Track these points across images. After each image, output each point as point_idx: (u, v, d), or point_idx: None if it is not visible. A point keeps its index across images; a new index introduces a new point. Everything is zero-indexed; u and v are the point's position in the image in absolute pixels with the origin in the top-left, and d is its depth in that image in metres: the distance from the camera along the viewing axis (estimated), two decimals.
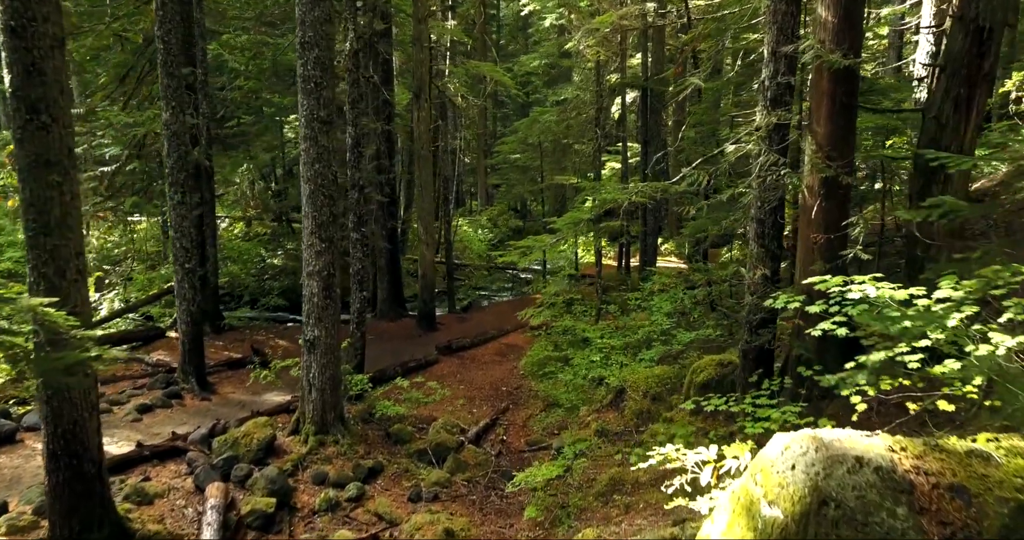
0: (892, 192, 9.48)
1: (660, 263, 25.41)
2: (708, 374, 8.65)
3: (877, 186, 10.28)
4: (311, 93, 8.58)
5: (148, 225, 18.66)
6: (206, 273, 14.42)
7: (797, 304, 5.03)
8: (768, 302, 5.27)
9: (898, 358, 3.78)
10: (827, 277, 4.49)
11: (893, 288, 3.93)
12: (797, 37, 7.26)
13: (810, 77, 7.05)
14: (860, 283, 4.06)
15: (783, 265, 9.11)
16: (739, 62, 16.35)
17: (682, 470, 4.54)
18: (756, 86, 7.38)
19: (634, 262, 25.33)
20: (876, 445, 2.85)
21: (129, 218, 16.06)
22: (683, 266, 25.65)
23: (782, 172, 6.99)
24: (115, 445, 8.88)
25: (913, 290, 3.81)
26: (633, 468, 6.24)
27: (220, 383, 11.89)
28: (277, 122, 24.66)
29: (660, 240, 24.20)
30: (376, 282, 16.84)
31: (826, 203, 6.81)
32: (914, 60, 10.47)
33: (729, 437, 7.78)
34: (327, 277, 9.01)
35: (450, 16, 29.08)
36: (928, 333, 3.61)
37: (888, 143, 9.40)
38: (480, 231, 31.24)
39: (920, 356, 3.70)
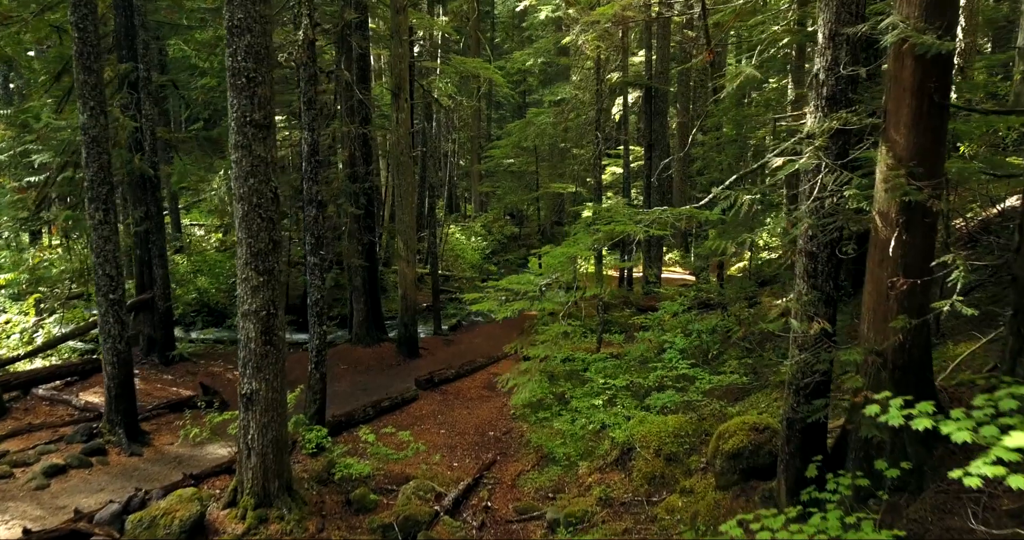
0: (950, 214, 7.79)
1: (664, 274, 23.76)
2: (739, 441, 6.94)
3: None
4: (242, 90, 6.86)
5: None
6: (153, 297, 12.69)
7: (927, 425, 3.30)
8: (878, 413, 3.56)
9: None
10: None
11: None
12: (863, 15, 5.56)
13: (884, 67, 5.33)
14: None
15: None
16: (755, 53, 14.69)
17: None
18: (809, 81, 5.67)
19: (636, 272, 23.68)
20: None
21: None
22: (689, 277, 24.00)
23: (846, 194, 5.28)
24: (3, 526, 7.16)
25: None
26: None
27: (158, 431, 10.17)
28: None
29: (664, 248, 22.53)
30: (352, 303, 15.11)
31: (908, 236, 5.10)
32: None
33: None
34: (267, 318, 7.29)
35: (440, 12, 27.40)
36: None
37: (960, 150, 7.70)
38: (473, 239, 29.53)
39: None
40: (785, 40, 14.30)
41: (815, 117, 5.66)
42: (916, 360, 5.39)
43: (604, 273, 21.73)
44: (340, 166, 14.35)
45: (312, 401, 9.64)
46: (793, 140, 5.75)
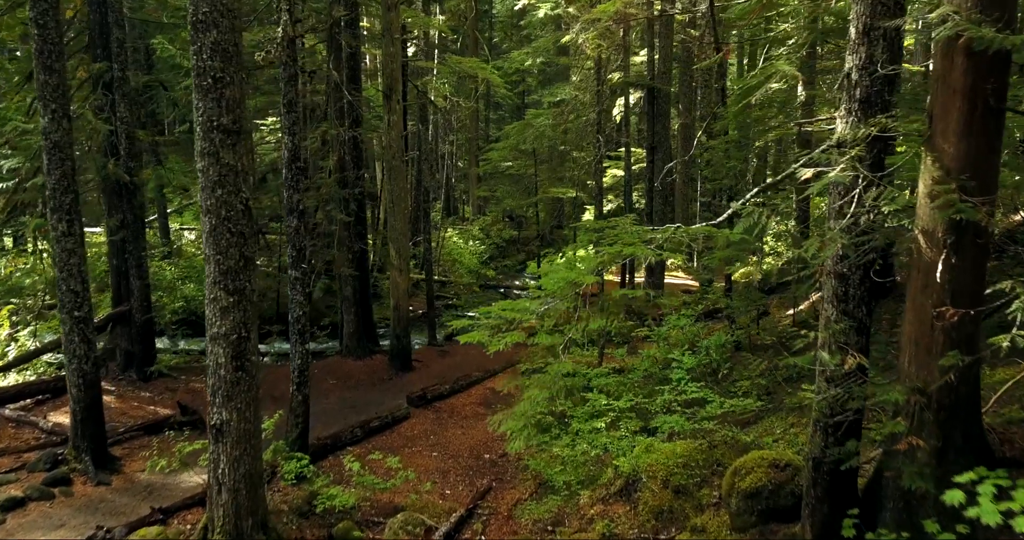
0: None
1: (667, 279, 23.11)
2: (758, 479, 6.29)
3: None
4: (208, 92, 6.22)
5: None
6: (130, 310, 12.03)
7: None
8: (962, 504, 2.91)
9: None
10: None
11: None
12: (902, 7, 4.92)
13: (929, 65, 4.69)
14: None
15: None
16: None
17: None
18: (840, 81, 5.03)
19: (638, 276, 23.04)
20: None
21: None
22: (692, 283, 23.35)
23: (884, 210, 4.64)
24: None
25: None
26: None
27: (130, 456, 9.52)
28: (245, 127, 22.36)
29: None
30: (342, 314, 14.46)
31: (957, 259, 4.46)
32: None
33: None
34: (237, 342, 6.64)
35: (437, 11, 26.77)
36: None
37: None
38: (471, 243, 28.88)
39: None
40: (794, 38, 13.68)
41: (846, 122, 5.03)
42: (964, 399, 4.75)
43: (605, 277, 21.15)
44: (329, 171, 13.69)
45: (294, 425, 8.99)
46: (821, 149, 5.11)
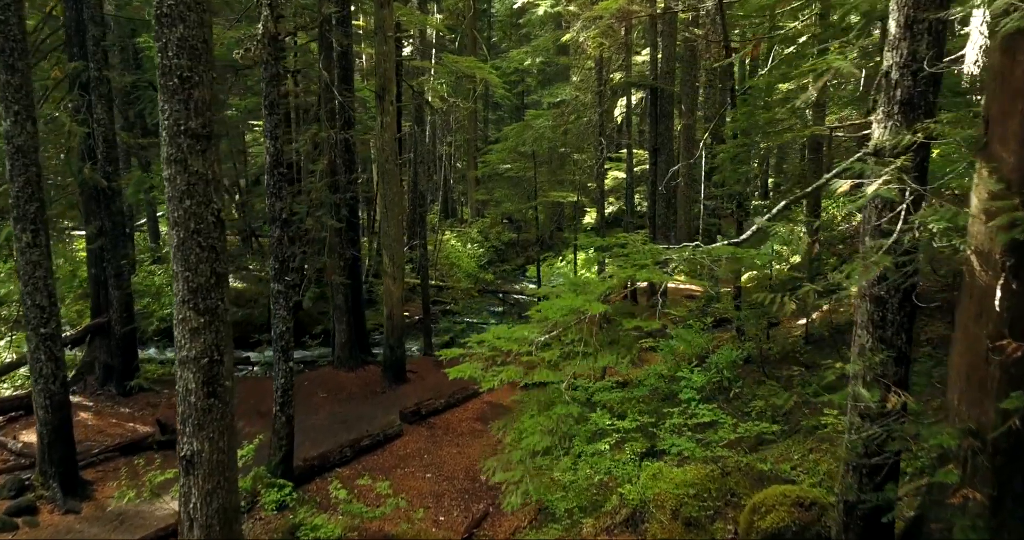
0: None
1: (671, 284, 22.54)
2: (780, 518, 5.73)
3: None
4: (175, 93, 5.65)
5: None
6: (109, 321, 11.45)
7: None
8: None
9: None
10: None
11: None
12: None
13: (982, 61, 4.13)
14: None
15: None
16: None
17: None
18: (877, 81, 4.48)
19: (641, 283, 22.47)
20: None
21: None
22: (696, 289, 22.78)
23: (932, 227, 4.08)
24: None
25: None
26: None
27: (103, 480, 8.95)
28: (237, 128, 21.91)
29: None
30: (334, 323, 13.89)
31: (1018, 285, 3.90)
32: None
33: None
34: (209, 366, 6.07)
35: (435, 10, 26.21)
36: None
37: None
38: (470, 246, 28.29)
39: None
40: (805, 37, 13.12)
41: (885, 127, 4.47)
42: None
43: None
44: (320, 175, 13.12)
45: (278, 448, 8.43)
46: (857, 156, 4.55)
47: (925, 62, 4.20)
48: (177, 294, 6.01)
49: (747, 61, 28.04)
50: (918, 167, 4.35)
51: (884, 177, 3.98)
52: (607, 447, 8.76)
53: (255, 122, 21.83)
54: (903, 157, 3.96)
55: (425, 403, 11.71)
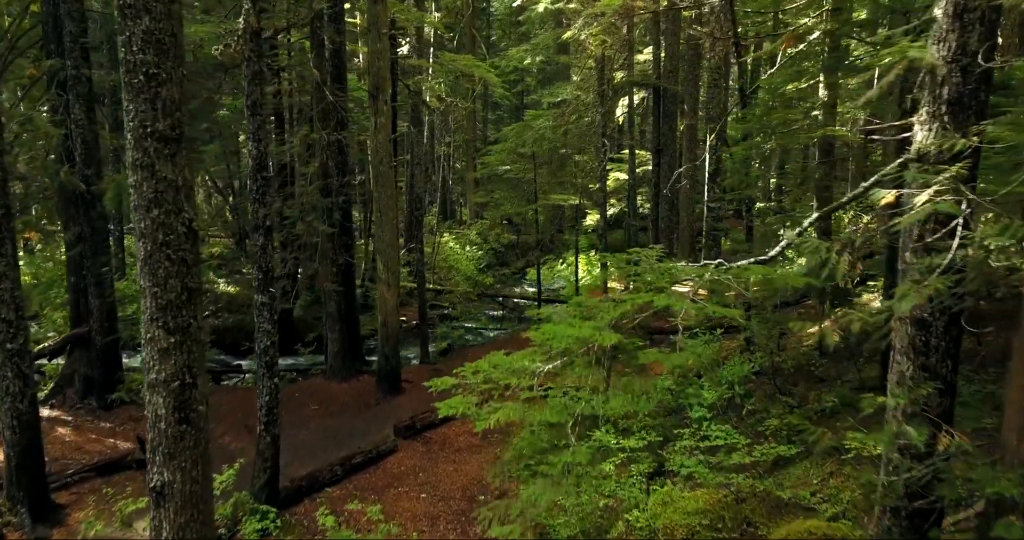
0: None
1: (674, 287, 22.01)
2: None
3: None
4: (140, 91, 5.15)
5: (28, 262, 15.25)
6: (90, 331, 10.94)
7: None
8: None
9: None
10: None
11: None
12: None
13: None
14: None
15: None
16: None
17: None
18: (921, 78, 3.98)
19: None
20: None
21: None
22: (700, 292, 22.26)
23: (990, 244, 3.58)
24: None
25: None
26: None
27: (77, 504, 8.44)
28: (230, 128, 21.39)
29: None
30: (326, 332, 13.39)
31: None
32: None
33: None
34: (180, 390, 5.57)
35: (433, 7, 25.70)
36: None
37: None
38: (469, 248, 27.78)
39: None
40: (816, 33, 12.62)
41: (929, 129, 3.97)
42: None
43: (609, 285, 20.04)
44: (311, 178, 12.61)
45: (262, 470, 7.93)
46: (898, 162, 4.05)
47: (980, 56, 3.70)
48: (145, 311, 5.50)
49: (748, 60, 27.54)
50: (970, 173, 3.86)
51: (936, 187, 3.47)
52: (612, 467, 8.27)
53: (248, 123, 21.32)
54: (959, 164, 3.46)
55: (420, 416, 11.20)
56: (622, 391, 3.42)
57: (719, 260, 3.76)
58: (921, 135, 4.03)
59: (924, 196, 3.51)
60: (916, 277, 3.97)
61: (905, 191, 3.58)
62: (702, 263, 3.75)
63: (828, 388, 8.99)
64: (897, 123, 4.70)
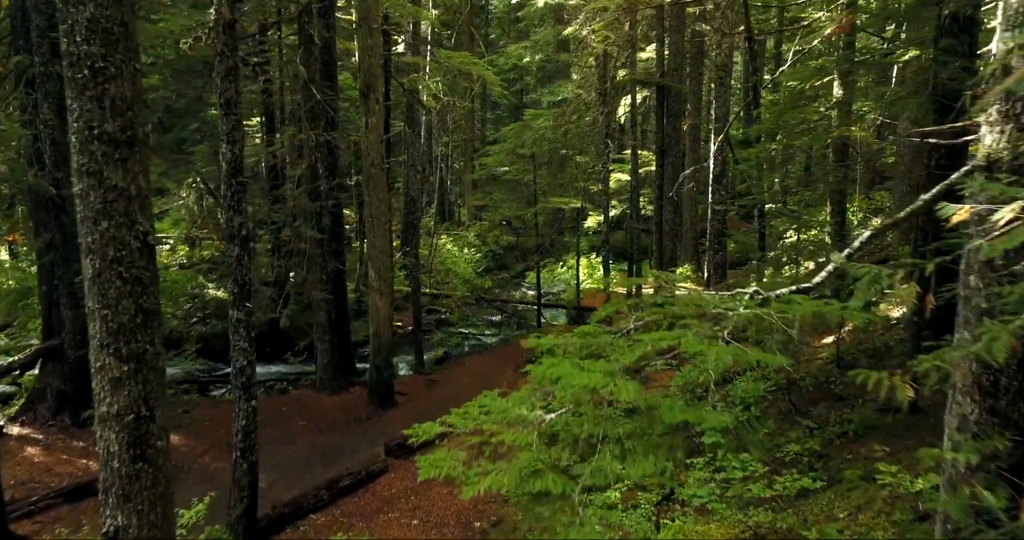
0: None
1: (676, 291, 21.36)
2: None
3: None
4: (85, 87, 4.54)
5: None
6: (62, 344, 10.33)
7: None
8: None
9: None
10: None
11: None
12: None
13: None
14: None
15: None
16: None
17: None
18: (989, 72, 3.37)
19: (647, 288, 21.35)
20: None
21: None
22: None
23: None
24: None
25: None
26: None
27: (41, 533, 7.82)
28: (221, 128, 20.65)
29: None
30: (316, 342, 12.77)
31: None
32: None
33: None
34: (135, 424, 4.96)
35: (430, 4, 25.08)
36: None
37: None
38: (467, 250, 27.15)
39: None
40: (830, 28, 12.01)
41: (1002, 131, 3.36)
42: None
43: (611, 289, 19.41)
44: (298, 181, 11.99)
45: (238, 499, 7.31)
46: (963, 171, 3.43)
47: None
48: (94, 337, 4.88)
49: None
50: None
51: (1021, 202, 2.85)
52: (618, 495, 7.67)
53: (244, 122, 20.65)
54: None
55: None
56: (641, 453, 2.79)
57: (754, 288, 3.15)
58: (990, 139, 3.41)
59: (1007, 213, 2.89)
60: (983, 305, 3.37)
61: (985, 208, 2.97)
62: (733, 292, 3.13)
63: (850, 407, 8.38)
64: (958, 124, 4.08)
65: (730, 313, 2.87)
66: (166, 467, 5.27)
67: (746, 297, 3.07)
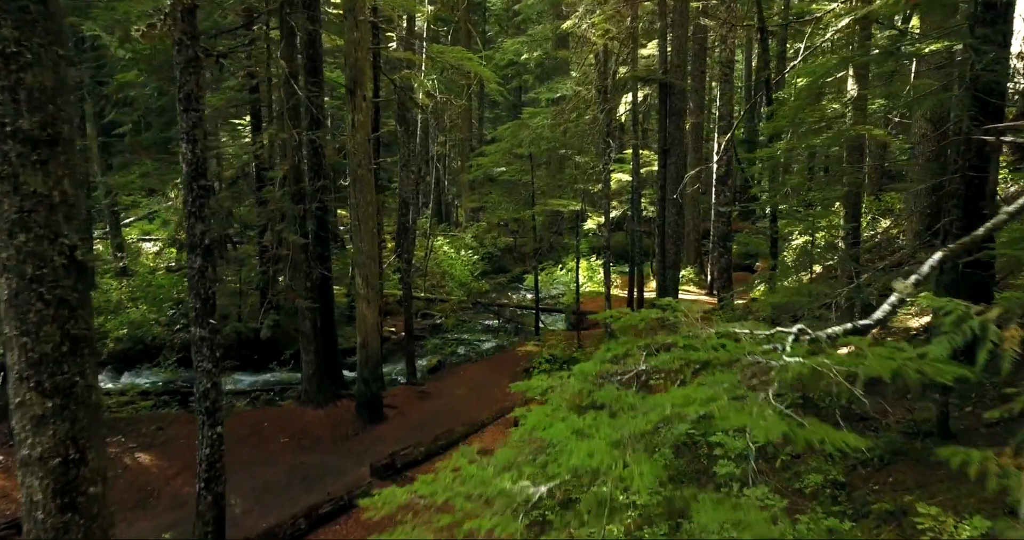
0: None
1: (681, 294, 20.70)
2: None
3: None
4: None
5: None
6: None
7: None
8: None
9: None
10: None
11: None
12: None
13: None
14: None
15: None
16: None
17: None
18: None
19: (648, 291, 20.66)
20: None
21: None
22: (705, 298, 20.98)
23: None
24: None
25: None
26: None
27: None
28: (213, 125, 20.01)
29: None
30: (300, 353, 12.09)
31: None
32: None
33: None
34: (63, 468, 4.28)
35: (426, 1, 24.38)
36: None
37: None
38: (463, 252, 26.46)
39: None
40: (844, 21, 11.33)
41: None
42: None
43: (612, 291, 18.73)
44: (279, 182, 11.30)
45: (202, 536, 6.62)
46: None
47: None
48: (12, 368, 4.21)
49: (752, 54, 26.23)
50: None
51: None
52: (620, 530, 6.99)
53: (236, 121, 20.01)
54: None
55: (401, 453, 9.90)
56: None
57: (798, 327, 2.46)
58: None
59: None
60: None
61: None
62: (772, 331, 2.45)
63: (873, 430, 7.70)
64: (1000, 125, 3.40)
65: (774, 362, 2.19)
66: (103, 516, 4.59)
67: (790, 338, 2.39)
